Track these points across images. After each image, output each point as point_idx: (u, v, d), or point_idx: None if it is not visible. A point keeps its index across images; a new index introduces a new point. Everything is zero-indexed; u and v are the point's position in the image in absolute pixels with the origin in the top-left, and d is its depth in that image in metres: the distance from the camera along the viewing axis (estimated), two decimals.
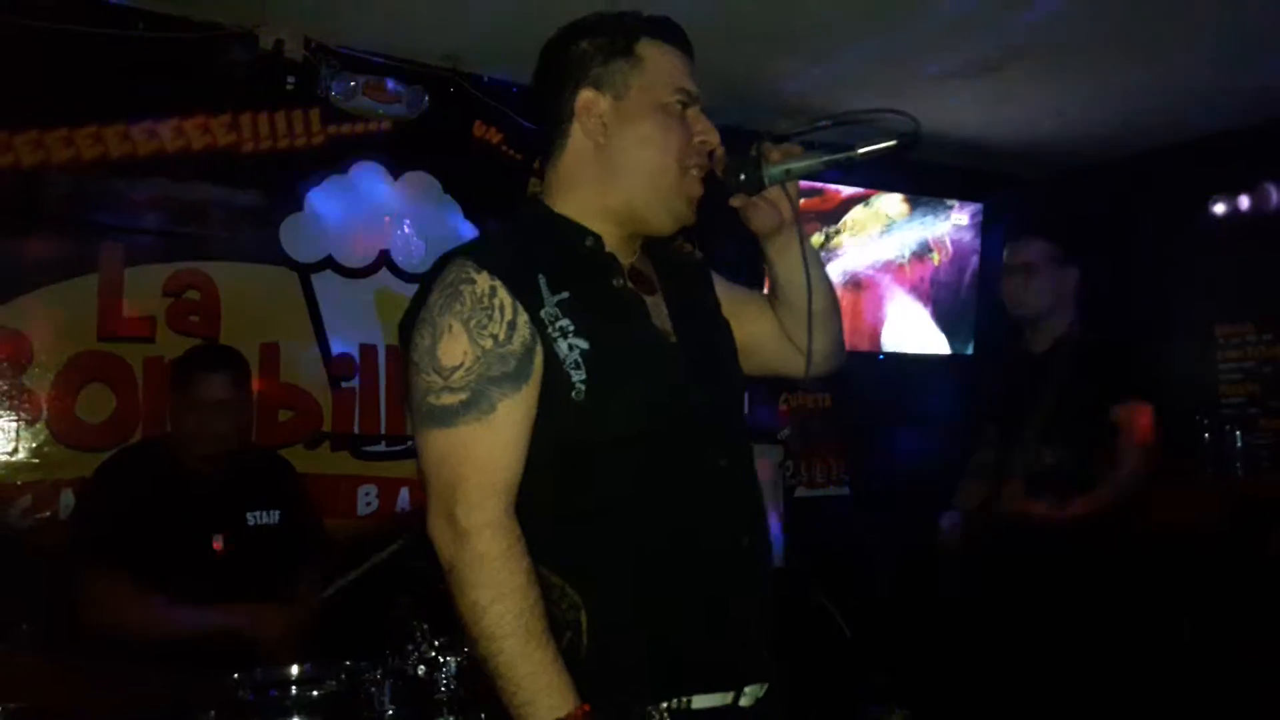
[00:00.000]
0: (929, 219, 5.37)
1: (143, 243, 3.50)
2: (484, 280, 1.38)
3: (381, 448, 3.85)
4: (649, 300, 1.52)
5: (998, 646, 2.84)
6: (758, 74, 4.14)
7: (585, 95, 1.49)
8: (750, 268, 1.80)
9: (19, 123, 3.26)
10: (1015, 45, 3.89)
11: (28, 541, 3.14)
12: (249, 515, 2.83)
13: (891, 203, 5.24)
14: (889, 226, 5.25)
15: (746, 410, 4.76)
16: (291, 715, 2.18)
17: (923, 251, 5.35)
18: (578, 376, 1.37)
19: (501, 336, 1.36)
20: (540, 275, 1.41)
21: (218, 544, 2.72)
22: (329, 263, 3.84)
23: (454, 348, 1.36)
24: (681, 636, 1.38)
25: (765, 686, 1.45)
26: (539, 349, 1.38)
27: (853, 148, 1.51)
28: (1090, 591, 2.78)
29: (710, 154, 1.53)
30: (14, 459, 3.27)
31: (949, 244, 5.36)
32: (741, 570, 1.45)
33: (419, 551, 1.39)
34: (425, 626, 2.24)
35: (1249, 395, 4.80)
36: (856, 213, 5.14)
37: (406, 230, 4.00)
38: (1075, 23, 3.68)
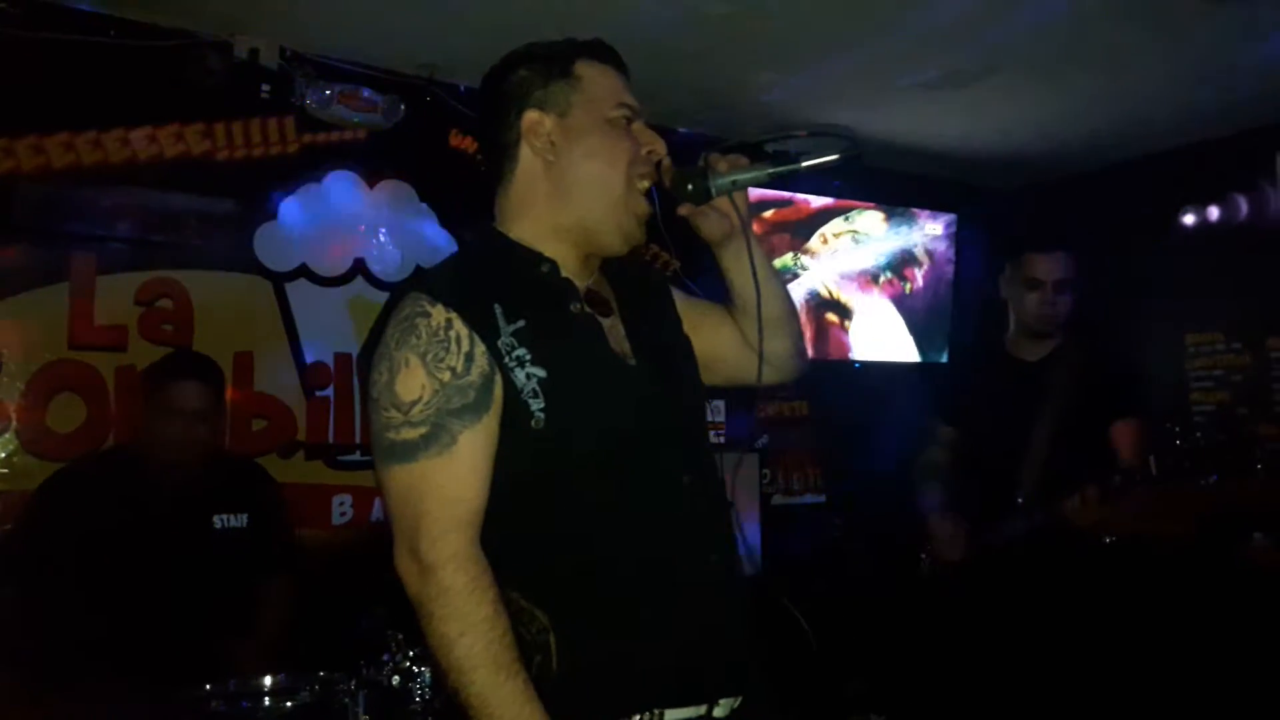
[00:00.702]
0: (904, 229, 5.41)
1: (115, 251, 3.47)
2: (439, 313, 1.38)
3: (356, 457, 3.83)
4: (606, 323, 1.52)
5: (974, 655, 2.86)
6: (738, 86, 4.16)
7: (530, 116, 1.51)
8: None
9: None
10: (990, 59, 3.93)
11: None
12: (216, 519, 2.81)
13: (866, 213, 5.27)
14: (864, 237, 5.28)
15: (723, 419, 4.76)
16: None
17: (897, 262, 5.39)
18: (536, 405, 1.38)
19: (459, 368, 1.37)
20: (496, 304, 1.41)
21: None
22: (303, 271, 3.82)
23: (412, 382, 1.36)
24: (650, 654, 1.38)
25: (739, 700, 1.45)
26: (497, 379, 1.38)
27: (797, 160, 1.55)
28: (1067, 600, 2.80)
29: (658, 165, 1.55)
30: None
31: (924, 254, 5.40)
32: (710, 585, 1.46)
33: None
34: (400, 637, 2.23)
35: (1219, 403, 4.86)
36: (832, 224, 5.17)
37: (382, 239, 3.98)
38: (1048, 37, 3.72)
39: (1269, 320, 4.68)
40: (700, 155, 1.57)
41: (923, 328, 5.38)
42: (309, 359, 3.80)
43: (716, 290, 1.72)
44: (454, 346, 1.37)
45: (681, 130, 4.50)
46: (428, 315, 1.38)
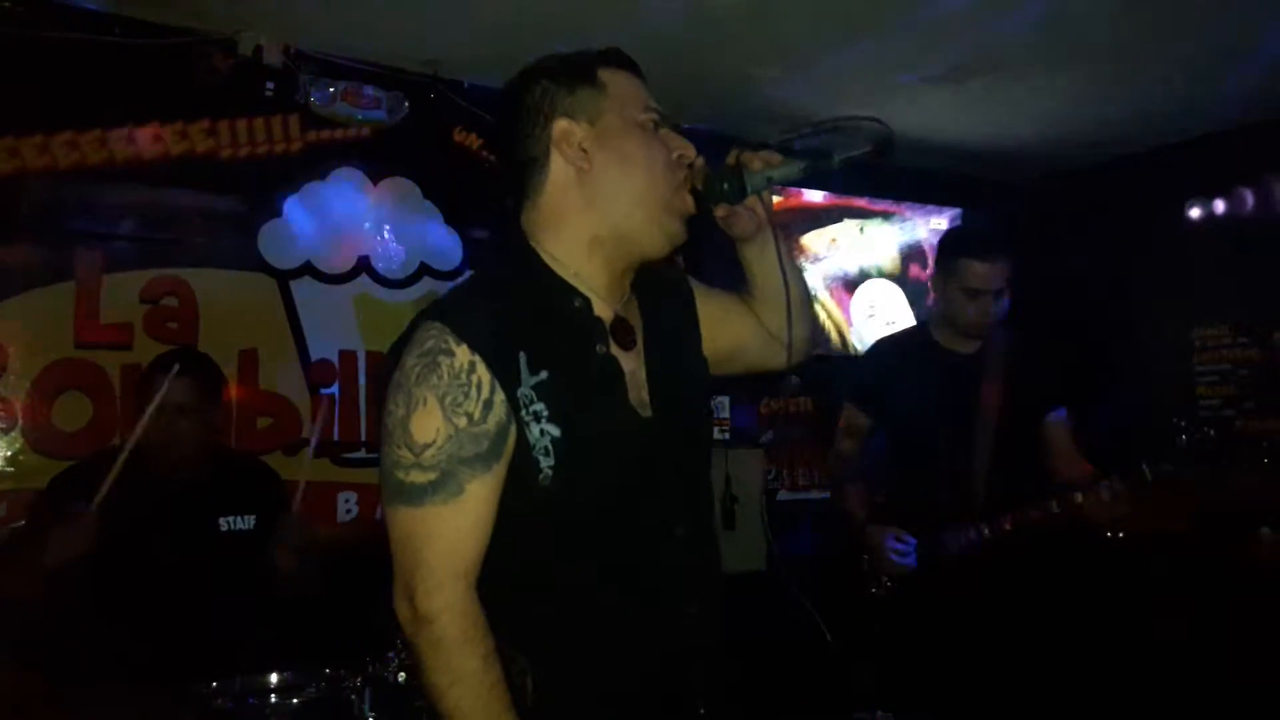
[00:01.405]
0: (909, 224, 5.41)
1: (120, 249, 3.48)
2: (463, 354, 1.36)
3: (361, 454, 3.83)
4: (628, 365, 1.49)
5: (982, 650, 2.84)
6: (743, 83, 4.16)
7: (560, 125, 1.47)
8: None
9: None
10: (994, 53, 3.92)
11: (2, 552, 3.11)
12: (221, 520, 2.79)
13: (872, 209, 5.27)
14: (871, 232, 5.28)
15: (727, 415, 4.75)
16: None
17: (903, 256, 5.39)
18: (546, 463, 1.37)
19: (476, 416, 1.35)
20: (521, 353, 1.39)
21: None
22: (308, 269, 3.82)
23: (428, 424, 1.34)
24: (623, 699, 1.41)
25: None
26: (512, 429, 1.37)
27: (830, 155, 1.52)
28: (1072, 594, 2.79)
29: (689, 166, 1.53)
30: None
31: (929, 249, 5.39)
32: (686, 637, 1.46)
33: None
34: None
35: (1225, 397, 4.85)
36: (837, 219, 5.17)
37: (386, 236, 3.99)
38: (1053, 30, 3.71)
39: (1276, 314, 4.66)
40: (731, 152, 1.55)
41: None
42: (314, 356, 3.80)
43: (721, 282, 1.73)
44: (474, 392, 1.35)
45: (685, 126, 4.49)
46: (451, 355, 1.36)
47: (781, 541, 4.46)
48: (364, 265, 3.94)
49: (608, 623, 1.42)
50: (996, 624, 2.76)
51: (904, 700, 2.81)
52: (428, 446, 1.34)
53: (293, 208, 3.80)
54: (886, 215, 5.36)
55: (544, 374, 1.39)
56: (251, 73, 3.63)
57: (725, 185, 1.52)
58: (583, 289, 1.48)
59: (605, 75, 1.50)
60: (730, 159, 1.54)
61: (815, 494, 4.97)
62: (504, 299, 1.47)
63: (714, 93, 4.23)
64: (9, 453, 3.27)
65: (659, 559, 1.46)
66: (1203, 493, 2.78)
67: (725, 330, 1.68)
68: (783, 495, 4.91)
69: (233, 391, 3.46)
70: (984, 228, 4.91)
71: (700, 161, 1.54)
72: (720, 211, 1.55)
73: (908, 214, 5.41)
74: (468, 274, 1.65)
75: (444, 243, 4.07)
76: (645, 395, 1.50)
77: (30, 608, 2.52)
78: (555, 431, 1.37)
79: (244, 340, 3.65)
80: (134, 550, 2.61)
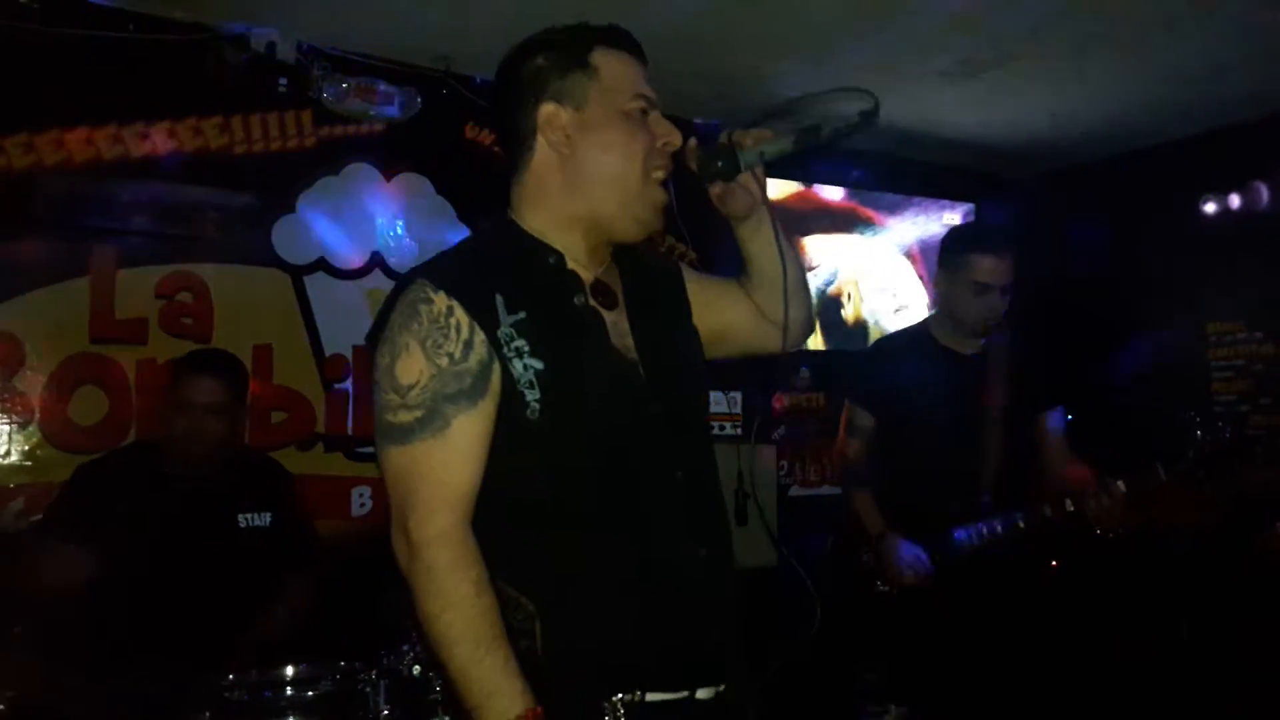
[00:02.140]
0: (922, 219, 5.39)
1: (135, 245, 3.50)
2: (441, 300, 1.40)
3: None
4: (610, 317, 1.53)
5: (995, 644, 2.83)
6: (753, 76, 4.15)
7: (547, 109, 1.50)
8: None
9: (10, 126, 3.26)
10: (1006, 46, 3.90)
11: (20, 544, 3.13)
12: (240, 517, 2.82)
13: (884, 204, 5.26)
14: (882, 228, 5.26)
15: (739, 410, 4.74)
16: (286, 716, 2.19)
17: (915, 252, 5.38)
18: (532, 396, 1.40)
19: (457, 355, 1.39)
20: (497, 295, 1.43)
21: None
22: (321, 264, 3.84)
23: (411, 366, 1.39)
24: (633, 640, 1.41)
25: (720, 688, 1.47)
26: (495, 367, 1.40)
27: (819, 128, 1.55)
28: (1087, 589, 2.78)
29: (680, 150, 1.55)
30: (6, 461, 3.27)
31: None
32: (698, 579, 1.47)
33: None
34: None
35: (1240, 393, 4.82)
36: (849, 217, 5.16)
37: (399, 231, 4.00)
38: (1066, 23, 3.69)
39: None
40: (722, 132, 1.57)
41: None
42: (328, 352, 3.82)
43: (732, 273, 1.74)
44: (453, 333, 1.39)
45: (696, 120, 4.49)
46: (430, 302, 1.41)
47: (793, 538, 4.45)
48: (377, 260, 3.95)
49: (613, 561, 1.42)
50: (1007, 621, 2.76)
51: (916, 695, 2.81)
52: (412, 387, 1.39)
53: (306, 203, 3.82)
54: (903, 207, 5.35)
55: (522, 314, 1.43)
56: (265, 69, 3.65)
57: (719, 163, 1.55)
58: (559, 250, 1.53)
59: (600, 58, 1.52)
60: (723, 138, 1.57)
61: (827, 489, 4.97)
62: (481, 253, 1.55)
63: (725, 87, 4.22)
64: (26, 447, 3.30)
65: (660, 500, 1.47)
66: (1218, 489, 2.75)
67: (716, 310, 1.70)
68: (795, 491, 4.91)
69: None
70: (990, 223, 4.89)
71: (693, 143, 1.57)
72: (715, 190, 1.58)
73: (919, 208, 5.39)
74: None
75: (456, 238, 4.06)
76: (630, 344, 1.53)
77: (51, 601, 2.55)
78: (538, 365, 1.41)
79: (258, 335, 3.67)
80: (155, 542, 2.63)
